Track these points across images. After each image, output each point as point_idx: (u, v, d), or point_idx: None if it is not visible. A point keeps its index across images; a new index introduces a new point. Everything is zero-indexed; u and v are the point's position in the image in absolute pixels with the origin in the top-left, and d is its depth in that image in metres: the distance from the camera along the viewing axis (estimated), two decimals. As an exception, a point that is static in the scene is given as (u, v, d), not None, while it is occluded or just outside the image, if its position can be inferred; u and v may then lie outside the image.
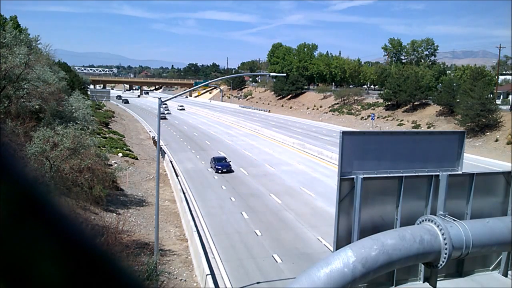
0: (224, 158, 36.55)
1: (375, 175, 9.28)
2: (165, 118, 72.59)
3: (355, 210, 8.90)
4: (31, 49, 25.90)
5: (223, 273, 16.77)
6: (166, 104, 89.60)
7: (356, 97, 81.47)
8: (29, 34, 29.33)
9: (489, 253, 9.66)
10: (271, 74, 27.75)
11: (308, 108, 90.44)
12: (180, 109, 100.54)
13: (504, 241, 8.85)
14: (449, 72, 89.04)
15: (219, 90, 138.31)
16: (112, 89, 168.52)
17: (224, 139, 53.56)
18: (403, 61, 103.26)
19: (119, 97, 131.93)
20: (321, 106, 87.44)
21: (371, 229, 8.86)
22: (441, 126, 56.57)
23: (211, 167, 35.65)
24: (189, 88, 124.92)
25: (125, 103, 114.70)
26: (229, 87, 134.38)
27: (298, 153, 43.95)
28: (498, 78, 74.01)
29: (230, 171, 34.48)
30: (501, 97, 68.79)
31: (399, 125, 62.90)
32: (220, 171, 34.10)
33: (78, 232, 0.67)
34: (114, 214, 22.26)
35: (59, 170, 18.68)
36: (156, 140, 22.58)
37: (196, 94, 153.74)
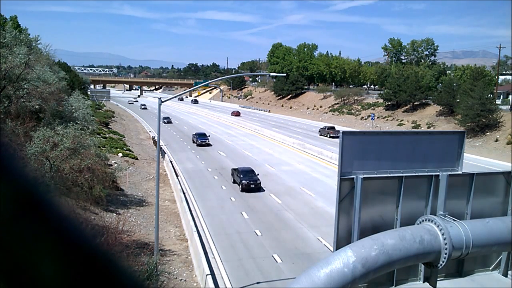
0: (204, 134, 49.79)
1: (375, 175, 9.28)
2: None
3: (355, 210, 8.90)
4: (31, 49, 25.85)
5: (223, 273, 16.77)
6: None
7: (356, 97, 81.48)
8: (29, 34, 29.26)
9: (489, 253, 9.65)
10: (271, 74, 27.67)
11: (308, 108, 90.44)
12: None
13: (504, 241, 8.84)
14: (449, 72, 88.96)
15: (219, 90, 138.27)
16: (113, 88, 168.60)
17: (224, 139, 53.54)
18: (403, 61, 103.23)
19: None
20: (321, 106, 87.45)
21: (371, 229, 8.85)
22: (441, 126, 56.56)
23: (193, 142, 48.69)
24: (189, 88, 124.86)
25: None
26: (229, 87, 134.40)
27: (298, 153, 43.94)
28: (498, 78, 73.97)
29: (208, 144, 47.66)
30: (501, 97, 68.74)
31: (399, 125, 62.88)
32: (199, 145, 47.19)
33: (78, 232, 0.67)
34: (114, 214, 22.26)
35: (59, 170, 18.67)
36: (156, 140, 22.59)
37: (196, 94, 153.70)
